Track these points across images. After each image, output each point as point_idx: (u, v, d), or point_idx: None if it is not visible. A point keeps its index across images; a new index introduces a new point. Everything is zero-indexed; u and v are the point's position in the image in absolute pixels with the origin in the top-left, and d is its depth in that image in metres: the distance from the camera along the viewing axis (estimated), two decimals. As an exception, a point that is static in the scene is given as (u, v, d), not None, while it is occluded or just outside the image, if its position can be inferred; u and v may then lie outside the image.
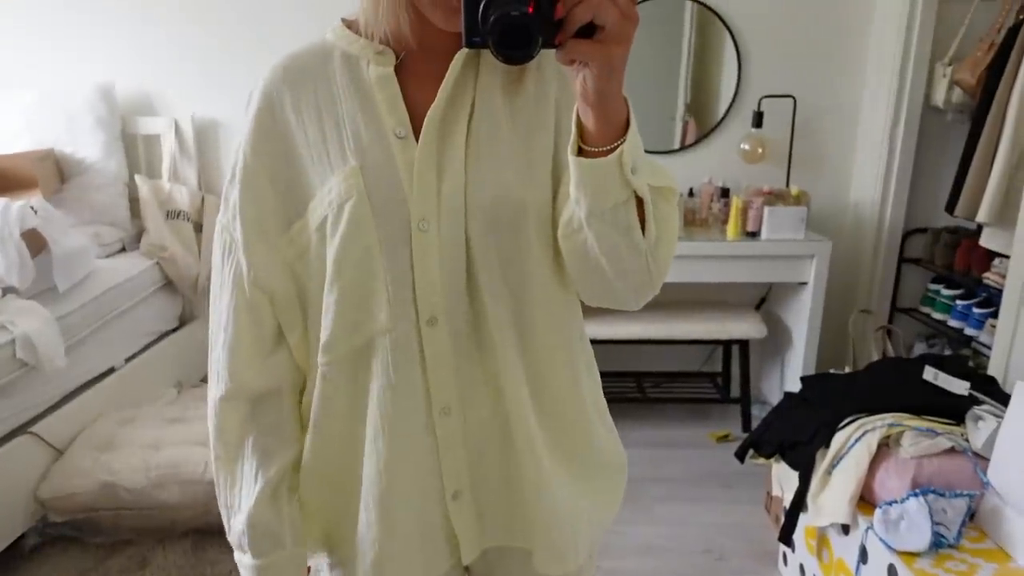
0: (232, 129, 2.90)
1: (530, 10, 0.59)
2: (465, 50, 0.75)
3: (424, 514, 0.83)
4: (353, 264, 0.76)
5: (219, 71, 2.85)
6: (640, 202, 0.70)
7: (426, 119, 0.75)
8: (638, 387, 3.11)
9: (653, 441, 2.87)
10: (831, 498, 1.69)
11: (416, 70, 0.78)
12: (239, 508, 0.82)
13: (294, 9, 2.75)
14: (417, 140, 0.75)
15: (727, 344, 3.07)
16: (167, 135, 2.83)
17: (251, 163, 0.79)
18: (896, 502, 1.52)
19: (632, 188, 0.68)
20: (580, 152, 0.68)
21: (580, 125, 0.68)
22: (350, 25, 0.80)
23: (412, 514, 0.83)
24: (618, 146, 0.66)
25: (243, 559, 0.84)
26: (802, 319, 2.73)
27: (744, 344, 2.94)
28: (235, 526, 0.83)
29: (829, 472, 1.73)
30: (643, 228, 0.71)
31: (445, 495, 0.83)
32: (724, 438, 2.85)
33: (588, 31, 0.61)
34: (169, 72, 2.87)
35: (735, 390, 3.05)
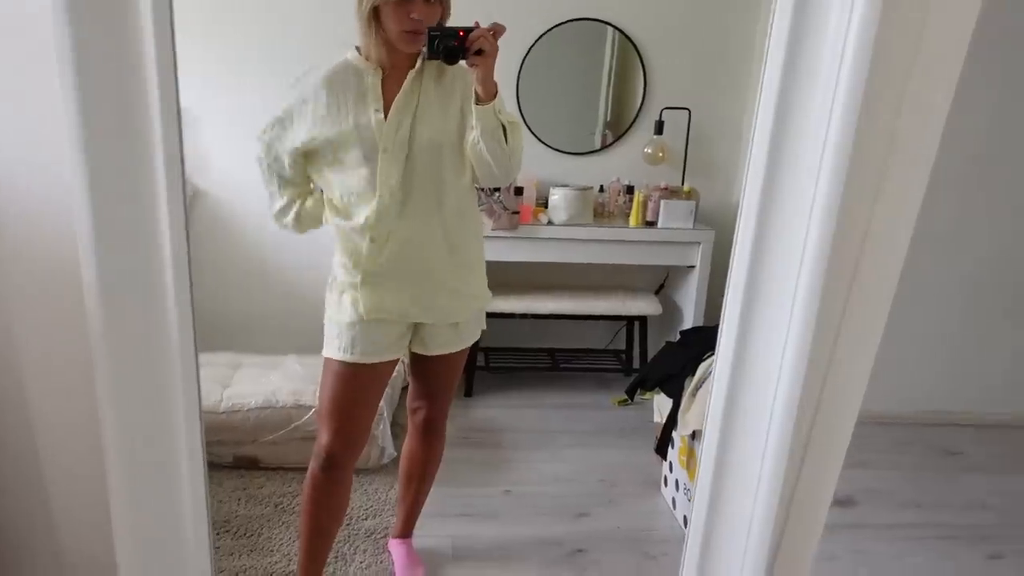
0: (193, 115, 3.18)
1: (456, 43, 1.39)
2: (415, 68, 1.50)
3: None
4: (351, 166, 1.50)
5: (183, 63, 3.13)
6: (504, 129, 1.47)
7: (393, 103, 1.48)
8: (552, 360, 3.52)
9: (564, 404, 3.27)
10: (694, 412, 2.12)
11: (391, 77, 1.50)
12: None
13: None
14: (385, 116, 1.48)
15: (629, 322, 3.52)
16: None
17: (287, 111, 1.53)
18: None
19: (500, 120, 1.46)
20: (477, 103, 1.43)
21: (476, 93, 1.43)
22: (359, 50, 1.50)
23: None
24: (492, 101, 1.43)
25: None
26: (690, 297, 3.21)
27: (643, 321, 3.40)
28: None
29: (694, 394, 2.16)
30: (506, 140, 1.47)
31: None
32: (624, 402, 3.27)
33: (479, 52, 1.39)
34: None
35: (637, 364, 3.49)
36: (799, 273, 1.02)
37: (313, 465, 1.65)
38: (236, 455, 2.43)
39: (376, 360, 1.59)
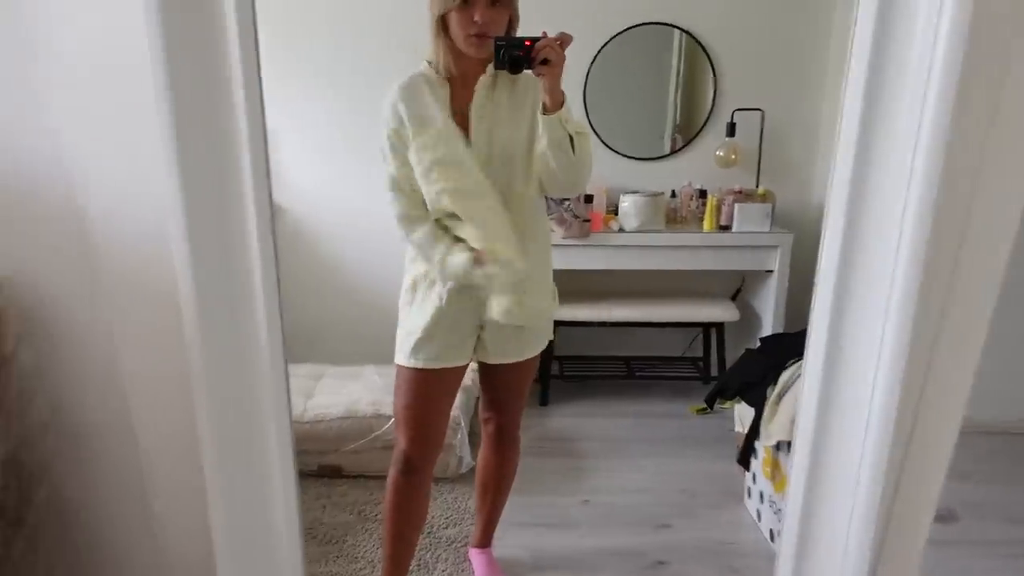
0: (275, 134, 3.31)
1: (521, 53, 1.39)
2: (487, 73, 1.51)
3: None
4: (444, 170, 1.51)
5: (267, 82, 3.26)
6: (572, 140, 1.47)
7: (472, 108, 1.52)
8: (627, 368, 3.48)
9: (639, 413, 3.23)
10: (777, 422, 2.06)
11: (462, 87, 1.53)
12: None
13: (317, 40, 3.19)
14: (459, 124, 1.51)
15: (706, 329, 3.44)
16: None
17: (389, 132, 1.53)
18: (826, 416, 1.89)
19: (566, 130, 1.47)
20: (544, 113, 1.45)
21: (543, 103, 1.45)
22: (430, 63, 1.54)
23: None
24: (559, 111, 1.44)
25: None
26: (769, 303, 3.12)
27: (720, 328, 3.32)
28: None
29: (776, 403, 2.10)
30: (573, 150, 1.48)
31: None
32: (702, 411, 3.20)
33: (545, 62, 1.39)
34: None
35: (714, 371, 3.41)
36: (893, 276, 0.98)
37: (393, 471, 1.69)
38: (320, 464, 2.49)
39: (441, 366, 1.61)
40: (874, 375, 1.00)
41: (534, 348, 1.73)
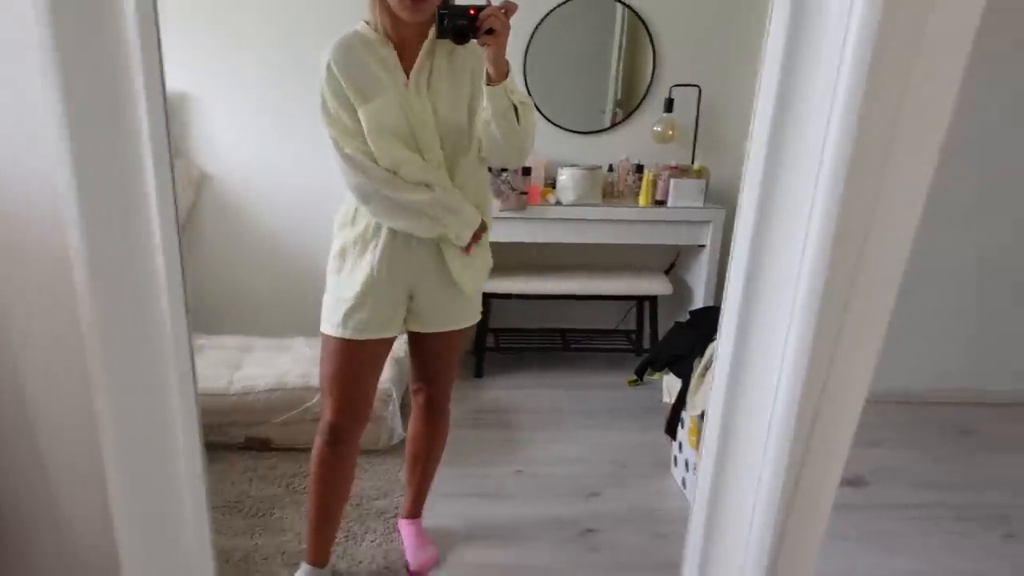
0: (198, 99, 3.17)
1: (465, 22, 1.38)
2: (428, 39, 1.47)
3: None
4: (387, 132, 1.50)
5: (188, 49, 3.12)
6: (516, 109, 1.45)
7: (411, 75, 1.48)
8: (563, 341, 3.51)
9: (575, 385, 3.27)
10: (703, 393, 2.11)
11: (402, 55, 1.49)
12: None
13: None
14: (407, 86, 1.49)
15: (640, 302, 3.49)
16: (138, 101, 3.08)
17: (327, 92, 1.47)
18: (748, 388, 1.94)
19: (511, 100, 1.45)
20: (488, 83, 1.43)
21: (487, 74, 1.43)
22: (367, 23, 1.49)
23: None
24: (504, 82, 1.42)
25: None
26: (701, 277, 3.19)
27: (653, 301, 3.38)
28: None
29: (702, 375, 2.15)
30: (517, 120, 1.46)
31: None
32: (634, 382, 3.26)
33: (489, 32, 1.37)
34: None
35: (647, 344, 3.47)
36: (803, 249, 1.00)
37: (319, 441, 1.68)
38: (248, 436, 2.44)
39: (370, 337, 1.60)
40: (783, 346, 1.03)
41: (465, 318, 1.72)
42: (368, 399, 1.69)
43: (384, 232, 1.56)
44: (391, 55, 1.48)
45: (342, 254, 1.61)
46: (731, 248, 1.13)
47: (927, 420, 2.98)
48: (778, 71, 0.99)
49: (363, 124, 1.48)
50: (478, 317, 1.75)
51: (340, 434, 1.66)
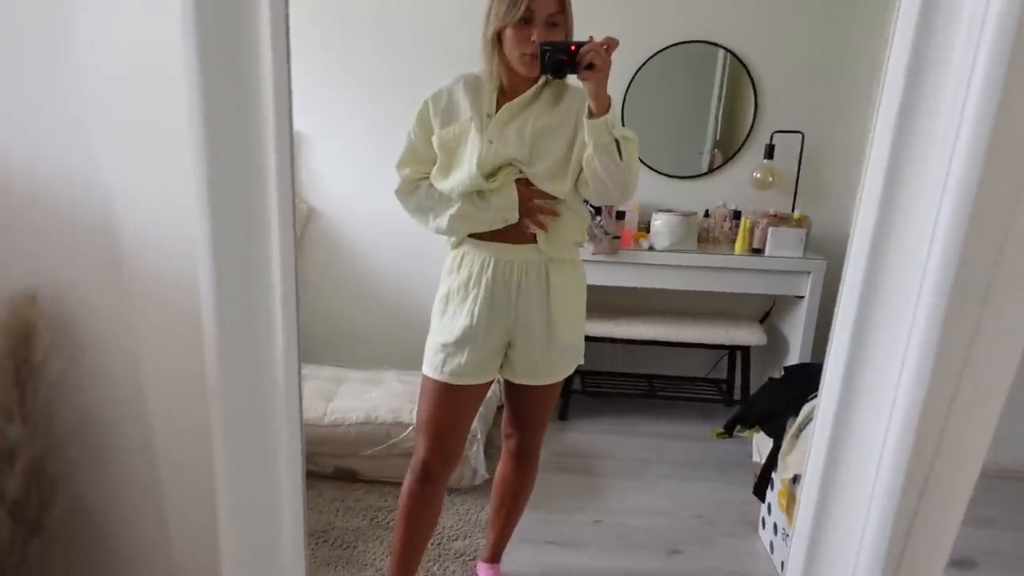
0: (308, 139, 3.35)
1: (565, 58, 1.40)
2: (535, 85, 1.54)
3: None
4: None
5: (300, 90, 3.31)
6: (618, 144, 1.46)
7: (502, 107, 1.55)
8: (650, 387, 3.46)
9: (660, 433, 3.21)
10: (796, 455, 2.03)
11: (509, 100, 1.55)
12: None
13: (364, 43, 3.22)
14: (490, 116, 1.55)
15: (732, 352, 3.40)
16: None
17: (423, 113, 1.59)
18: (845, 455, 1.86)
19: (612, 135, 1.45)
20: (589, 117, 1.44)
21: (588, 108, 1.45)
22: (479, 75, 1.57)
23: None
24: (605, 115, 1.43)
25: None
26: (798, 329, 3.07)
27: (746, 351, 3.28)
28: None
29: (796, 435, 2.07)
30: (620, 155, 1.47)
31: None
32: (722, 435, 3.16)
33: (590, 67, 1.39)
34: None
35: (738, 394, 3.37)
36: (916, 305, 0.95)
37: (409, 478, 1.71)
38: (337, 467, 2.52)
39: (466, 382, 1.63)
40: (890, 411, 0.98)
41: (562, 371, 1.73)
42: (461, 441, 1.72)
43: (485, 280, 1.60)
44: (491, 91, 1.55)
45: (446, 299, 1.65)
46: (836, 301, 1.08)
47: (1046, 497, 2.75)
48: (894, 120, 0.94)
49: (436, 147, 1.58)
50: (574, 366, 1.76)
51: (431, 472, 1.69)
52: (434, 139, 1.58)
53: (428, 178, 1.63)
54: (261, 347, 1.09)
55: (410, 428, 2.45)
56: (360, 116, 3.26)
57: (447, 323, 1.63)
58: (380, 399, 2.60)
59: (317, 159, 3.34)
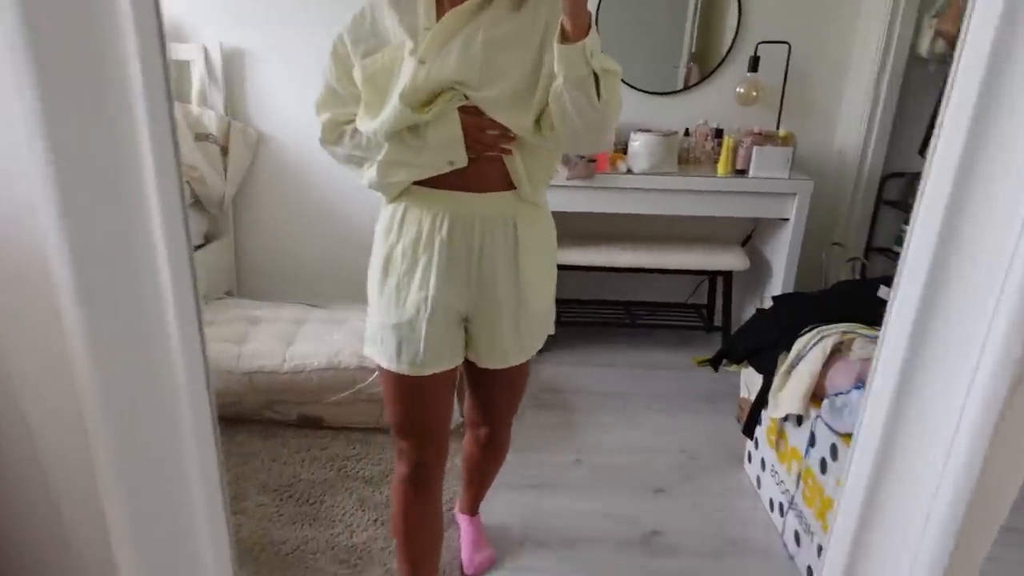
0: (257, 57, 3.04)
1: None
2: None
3: None
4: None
5: (248, 3, 2.99)
6: (596, 77, 1.12)
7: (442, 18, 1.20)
8: (628, 314, 3.33)
9: (641, 363, 3.10)
10: (788, 393, 1.92)
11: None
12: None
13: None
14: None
15: (712, 277, 3.28)
16: (197, 61, 2.94)
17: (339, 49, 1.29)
18: (841, 393, 1.75)
19: (591, 67, 1.10)
20: (562, 41, 1.09)
21: (562, 28, 1.09)
22: None
23: None
24: (583, 40, 1.07)
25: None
26: (782, 253, 2.94)
27: (728, 276, 3.15)
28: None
29: (788, 372, 1.95)
30: (598, 93, 1.13)
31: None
32: (705, 362, 3.06)
33: None
34: (200, 1, 2.98)
35: (719, 320, 3.26)
36: (1002, 290, 0.75)
37: (401, 487, 1.47)
38: (300, 414, 2.37)
39: (431, 372, 1.36)
40: (958, 419, 0.81)
41: (533, 345, 1.44)
42: (446, 427, 1.47)
43: (439, 241, 1.28)
44: (429, 2, 1.22)
45: (385, 267, 1.34)
46: (901, 258, 0.85)
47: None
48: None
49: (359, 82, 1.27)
50: (545, 338, 1.49)
51: (424, 473, 1.44)
52: (356, 72, 1.25)
53: (354, 121, 1.31)
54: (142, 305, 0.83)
55: (376, 373, 2.29)
56: (312, 31, 2.95)
57: (393, 298, 1.32)
58: (343, 341, 2.42)
59: (265, 79, 3.04)
